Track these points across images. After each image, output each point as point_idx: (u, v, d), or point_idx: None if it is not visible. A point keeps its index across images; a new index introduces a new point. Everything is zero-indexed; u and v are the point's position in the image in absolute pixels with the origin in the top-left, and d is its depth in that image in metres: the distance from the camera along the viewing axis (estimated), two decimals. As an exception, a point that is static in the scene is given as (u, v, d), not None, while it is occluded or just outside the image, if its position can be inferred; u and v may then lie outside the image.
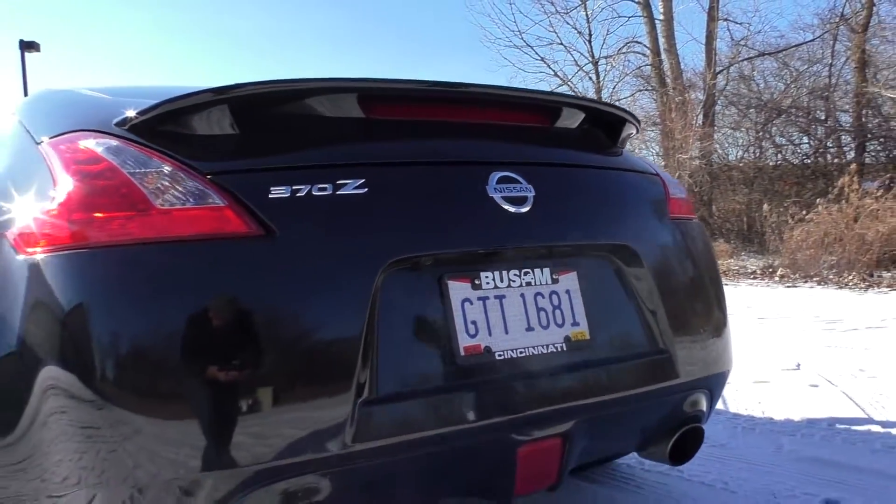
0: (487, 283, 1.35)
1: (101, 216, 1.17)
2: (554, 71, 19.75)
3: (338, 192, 1.24)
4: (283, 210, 1.20)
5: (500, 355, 1.32)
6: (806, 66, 17.71)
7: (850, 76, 16.83)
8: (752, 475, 2.21)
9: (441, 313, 1.29)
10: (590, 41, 19.09)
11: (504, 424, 1.29)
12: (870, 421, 2.78)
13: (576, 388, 1.39)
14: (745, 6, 30.63)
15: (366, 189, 1.26)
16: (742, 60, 17.52)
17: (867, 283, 8.14)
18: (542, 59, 20.11)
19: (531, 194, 1.40)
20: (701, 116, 16.32)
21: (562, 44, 19.25)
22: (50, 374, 1.12)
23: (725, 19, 17.31)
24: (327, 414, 1.15)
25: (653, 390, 1.49)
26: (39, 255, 1.17)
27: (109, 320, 1.13)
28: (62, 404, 1.11)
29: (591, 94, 19.84)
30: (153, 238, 1.16)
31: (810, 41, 17.06)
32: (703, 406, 1.63)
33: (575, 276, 1.46)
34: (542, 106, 1.60)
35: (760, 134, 17.17)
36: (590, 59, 19.50)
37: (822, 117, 17.49)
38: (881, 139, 16.29)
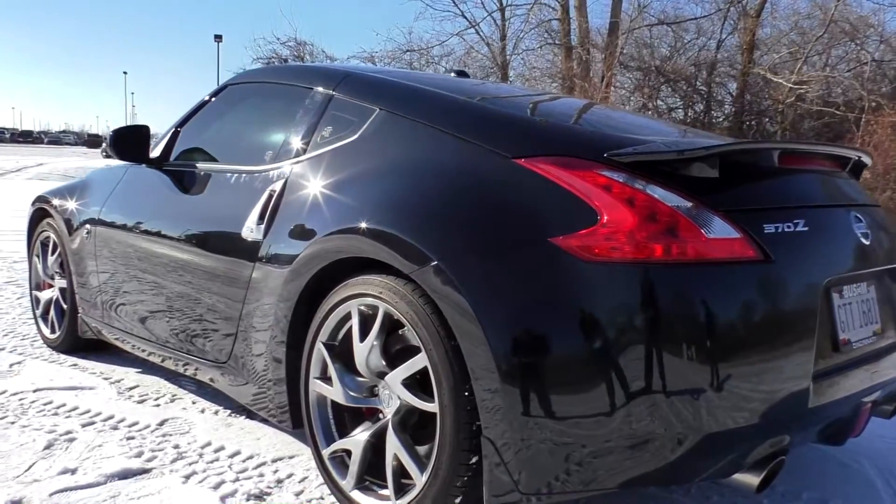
0: (845, 294, 1.90)
1: (666, 238, 1.60)
2: (461, 11, 19.99)
3: (796, 229, 1.74)
4: (773, 241, 1.68)
5: (854, 345, 1.89)
6: (695, 37, 19.05)
7: (735, 53, 18.32)
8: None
9: (829, 316, 1.84)
10: (499, -14, 19.43)
11: (861, 392, 1.87)
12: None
13: (881, 369, 1.98)
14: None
15: (806, 228, 1.76)
16: (643, 27, 18.56)
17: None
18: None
19: (868, 231, 1.96)
20: (604, 77, 17.26)
21: (472, -15, 19.49)
22: (623, 350, 1.56)
23: (632, -16, 18.23)
24: (801, 384, 1.68)
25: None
26: (607, 263, 1.59)
27: (666, 316, 1.58)
28: (636, 368, 1.56)
29: (497, 41, 20.31)
30: (699, 259, 1.61)
31: (705, 16, 18.31)
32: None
33: (874, 288, 2.05)
34: (843, 157, 2.14)
35: (647, 100, 18.41)
36: (497, 5, 19.87)
37: (704, 89, 18.96)
38: (756, 115, 17.97)
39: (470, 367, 1.66)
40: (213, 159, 2.81)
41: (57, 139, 75.14)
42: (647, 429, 1.58)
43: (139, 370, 3.40)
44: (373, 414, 2.04)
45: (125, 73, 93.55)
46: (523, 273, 1.65)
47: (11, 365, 3.38)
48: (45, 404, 2.88)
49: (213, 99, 2.94)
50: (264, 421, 2.74)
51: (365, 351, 1.93)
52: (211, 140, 2.89)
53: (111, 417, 2.75)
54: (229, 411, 2.85)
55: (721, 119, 18.59)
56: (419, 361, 1.79)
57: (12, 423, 2.66)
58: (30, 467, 2.29)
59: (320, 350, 2.07)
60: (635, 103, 18.47)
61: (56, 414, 2.78)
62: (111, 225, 3.09)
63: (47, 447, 2.45)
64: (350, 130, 2.23)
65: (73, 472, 2.26)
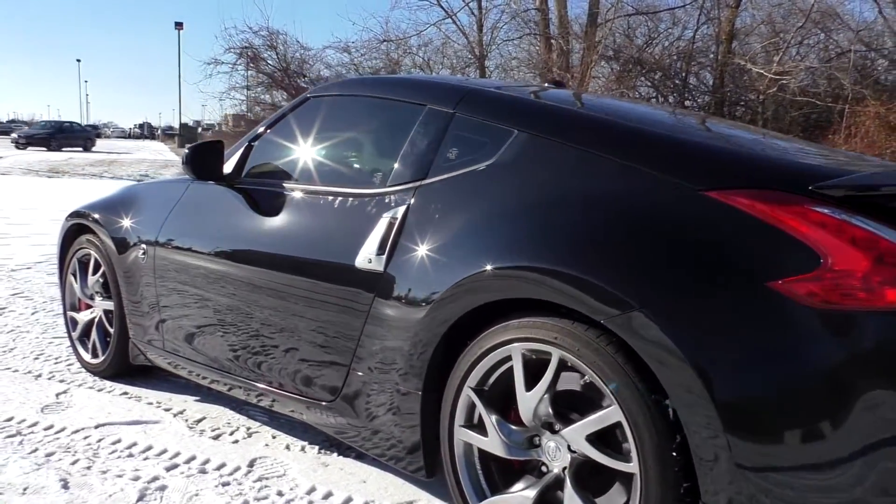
0: None
1: (897, 283, 1.46)
2: (437, 0, 19.76)
3: None
4: None
5: None
6: (670, 27, 19.10)
7: (711, 43, 18.40)
8: None
9: None
10: (475, -24, 19.26)
11: None
12: None
13: None
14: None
15: None
16: (621, 17, 18.52)
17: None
18: (428, -11, 19.99)
19: None
20: (588, 67, 17.20)
21: (447, -24, 19.29)
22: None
23: (610, -26, 18.20)
24: None
25: None
26: (838, 310, 1.45)
27: None
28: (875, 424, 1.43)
29: (474, 32, 20.11)
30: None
31: (683, 6, 18.34)
32: None
33: None
34: None
35: (625, 90, 18.41)
36: (474, -6, 19.69)
37: (680, 78, 19.03)
38: (731, 105, 18.09)
39: (685, 422, 1.51)
40: (294, 178, 2.59)
41: (8, 129, 72.70)
42: (881, 489, 1.45)
43: (196, 398, 3.19)
44: (523, 466, 1.89)
45: (79, 60, 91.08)
46: (741, 320, 1.51)
47: (58, 395, 3.15)
48: (113, 443, 2.66)
49: (292, 112, 2.73)
50: (359, 457, 2.57)
51: (533, 400, 1.77)
52: (292, 157, 2.67)
53: (193, 458, 2.55)
54: (316, 447, 2.67)
55: (698, 110, 18.70)
56: (611, 415, 1.63)
57: (88, 468, 2.45)
58: (131, 525, 2.09)
59: (469, 396, 1.90)
60: (612, 94, 18.47)
61: (131, 456, 2.56)
62: (175, 246, 2.86)
63: (140, 498, 2.24)
64: (483, 153, 2.05)
65: (183, 529, 2.06)
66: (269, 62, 19.97)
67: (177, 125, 57.82)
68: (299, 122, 2.69)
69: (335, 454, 2.61)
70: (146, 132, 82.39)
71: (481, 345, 1.86)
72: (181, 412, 3.00)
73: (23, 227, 8.74)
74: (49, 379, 3.35)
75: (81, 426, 2.80)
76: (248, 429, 2.84)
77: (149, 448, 2.62)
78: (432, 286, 1.95)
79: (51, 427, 2.78)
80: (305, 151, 2.63)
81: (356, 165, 2.43)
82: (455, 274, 1.89)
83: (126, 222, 3.14)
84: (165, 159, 30.29)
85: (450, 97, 2.23)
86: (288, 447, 2.67)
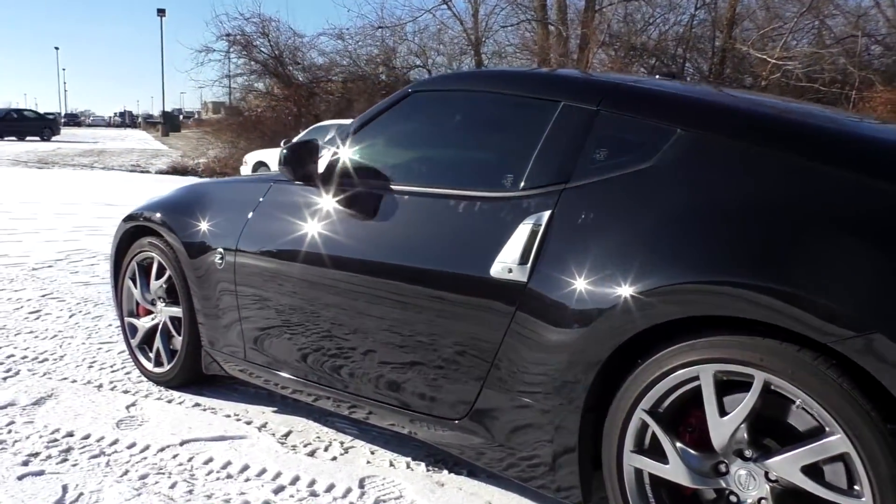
0: None
1: None
2: (432, -13, 19.48)
3: None
4: None
5: None
6: (666, 12, 18.99)
7: (707, 29, 18.31)
8: None
9: None
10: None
11: None
12: None
13: None
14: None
15: None
16: (619, 3, 18.37)
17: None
18: (423, -26, 19.71)
19: None
20: (589, 54, 17.05)
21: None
22: None
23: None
24: None
25: None
26: None
27: None
28: None
29: (469, 17, 19.87)
30: None
31: (680, -9, 18.19)
32: None
33: None
34: None
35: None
36: (469, -21, 19.44)
37: (677, 64, 18.93)
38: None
39: None
40: (401, 179, 2.40)
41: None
42: None
43: (273, 409, 3.03)
44: (696, 494, 1.75)
45: (56, 48, 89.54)
46: None
47: (128, 407, 2.97)
48: (206, 462, 2.50)
49: (392, 108, 2.54)
50: (472, 474, 2.43)
51: (730, 427, 1.63)
52: (396, 157, 2.50)
53: (297, 479, 2.39)
54: (423, 464, 2.52)
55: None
56: (835, 445, 1.49)
57: (190, 492, 2.28)
58: (260, 559, 1.93)
59: (641, 419, 1.75)
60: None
61: (230, 476, 2.40)
62: (260, 252, 2.69)
63: (259, 528, 2.08)
64: (639, 154, 1.89)
65: (319, 564, 1.90)
66: (262, 50, 19.58)
67: (155, 113, 57.02)
68: (402, 119, 2.52)
69: (446, 471, 2.46)
70: (127, 120, 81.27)
71: (660, 365, 1.71)
72: (264, 425, 2.84)
73: (29, 221, 8.48)
74: (112, 390, 3.17)
75: (166, 443, 2.63)
76: (342, 443, 2.68)
77: (246, 468, 2.46)
78: (596, 300, 1.80)
79: (133, 445, 2.61)
80: (412, 150, 2.47)
81: (476, 166, 2.27)
82: (625, 287, 1.74)
83: (199, 225, 2.96)
84: (154, 148, 29.84)
85: (590, 93, 2.07)
86: (392, 464, 2.52)
